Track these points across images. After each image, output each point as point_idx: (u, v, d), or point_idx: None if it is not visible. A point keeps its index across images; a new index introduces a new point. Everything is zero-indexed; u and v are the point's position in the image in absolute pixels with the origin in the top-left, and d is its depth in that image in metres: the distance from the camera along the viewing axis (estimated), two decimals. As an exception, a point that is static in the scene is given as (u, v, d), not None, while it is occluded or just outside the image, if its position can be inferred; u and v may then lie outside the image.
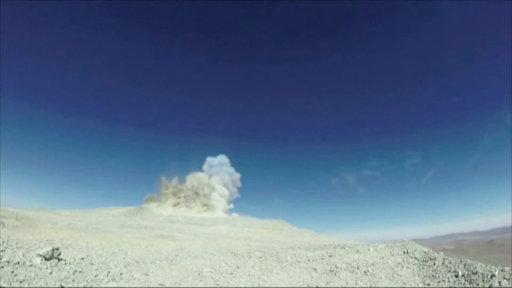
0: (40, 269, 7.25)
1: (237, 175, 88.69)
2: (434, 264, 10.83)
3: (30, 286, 6.03)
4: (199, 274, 9.37)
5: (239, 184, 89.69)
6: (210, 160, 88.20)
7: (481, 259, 12.12)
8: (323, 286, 9.16)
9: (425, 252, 13.01)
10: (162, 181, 77.81)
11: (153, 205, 68.18)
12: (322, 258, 12.94)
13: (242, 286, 8.60)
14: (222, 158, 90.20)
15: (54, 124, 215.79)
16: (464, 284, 8.51)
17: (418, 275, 10.26)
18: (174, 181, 75.90)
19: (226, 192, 77.50)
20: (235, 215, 69.59)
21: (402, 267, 11.24)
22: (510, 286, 7.45)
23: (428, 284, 9.20)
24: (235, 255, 13.59)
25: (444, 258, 11.24)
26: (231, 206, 78.36)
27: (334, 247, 16.69)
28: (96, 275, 7.77)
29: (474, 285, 8.19)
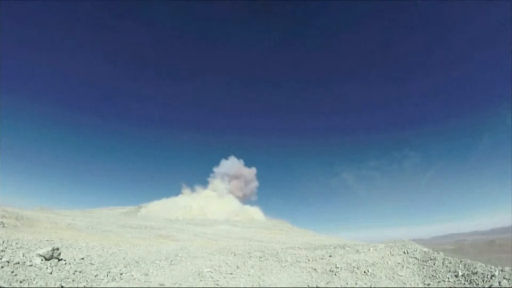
0: (40, 269, 7.24)
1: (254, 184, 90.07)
2: (434, 264, 10.83)
3: (30, 286, 6.03)
4: (199, 274, 9.36)
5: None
6: (222, 163, 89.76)
7: (481, 259, 12.11)
8: (323, 286, 9.16)
9: (425, 252, 13.01)
10: (183, 189, 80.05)
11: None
12: (322, 258, 12.93)
13: (242, 286, 8.60)
14: (229, 162, 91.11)
15: (54, 124, 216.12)
16: (464, 284, 8.51)
17: (418, 275, 10.26)
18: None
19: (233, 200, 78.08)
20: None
21: (402, 267, 11.24)
22: (510, 286, 7.45)
23: (428, 284, 9.20)
24: (235, 255, 13.58)
25: (444, 258, 11.24)
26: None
27: (334, 247, 16.69)
28: (96, 275, 7.77)
29: (474, 285, 8.19)
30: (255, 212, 69.52)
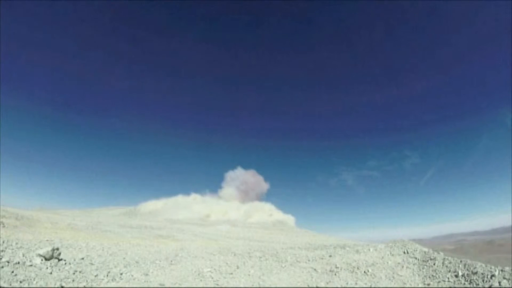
0: (40, 269, 7.24)
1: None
2: (434, 264, 10.83)
3: (30, 286, 6.03)
4: (199, 274, 9.36)
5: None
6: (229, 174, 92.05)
7: (481, 259, 12.10)
8: (323, 286, 9.15)
9: (425, 252, 13.00)
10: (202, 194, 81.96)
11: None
12: (322, 258, 12.93)
13: (242, 286, 8.60)
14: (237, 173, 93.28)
15: (54, 124, 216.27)
16: (464, 284, 8.50)
17: (418, 275, 10.25)
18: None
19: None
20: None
21: (402, 267, 11.24)
22: (510, 286, 7.44)
23: (428, 284, 9.19)
24: (235, 255, 13.58)
25: (444, 258, 11.23)
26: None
27: (334, 247, 16.69)
28: (96, 275, 7.76)
29: (474, 285, 8.19)
30: (287, 219, 70.65)
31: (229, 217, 60.57)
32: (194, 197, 76.36)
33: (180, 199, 73.17)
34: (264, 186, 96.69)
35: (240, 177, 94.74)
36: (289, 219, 71.60)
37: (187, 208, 64.64)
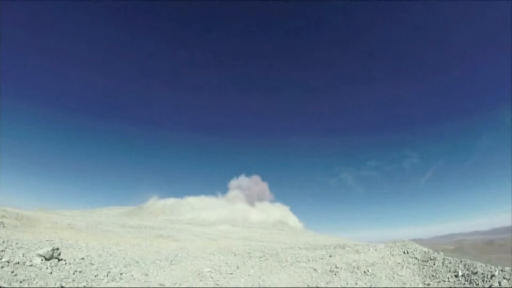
0: (40, 269, 7.24)
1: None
2: (434, 264, 10.83)
3: (30, 286, 6.03)
4: (199, 274, 9.36)
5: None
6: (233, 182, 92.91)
7: (481, 259, 12.10)
8: (323, 286, 9.15)
9: (425, 252, 13.00)
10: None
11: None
12: (322, 258, 12.93)
13: (242, 286, 8.60)
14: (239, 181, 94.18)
15: (54, 124, 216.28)
16: (464, 284, 8.50)
17: (418, 275, 10.25)
18: None
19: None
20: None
21: (402, 267, 11.24)
22: (510, 286, 7.44)
23: (428, 284, 9.20)
24: (235, 255, 13.58)
25: (444, 258, 11.23)
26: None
27: (334, 247, 16.69)
28: (96, 275, 7.76)
29: (474, 285, 8.19)
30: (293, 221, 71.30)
31: (247, 217, 61.10)
32: (209, 199, 76.73)
33: (192, 199, 73.13)
34: (268, 196, 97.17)
35: (243, 184, 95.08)
36: (297, 224, 72.02)
37: (204, 209, 64.64)
